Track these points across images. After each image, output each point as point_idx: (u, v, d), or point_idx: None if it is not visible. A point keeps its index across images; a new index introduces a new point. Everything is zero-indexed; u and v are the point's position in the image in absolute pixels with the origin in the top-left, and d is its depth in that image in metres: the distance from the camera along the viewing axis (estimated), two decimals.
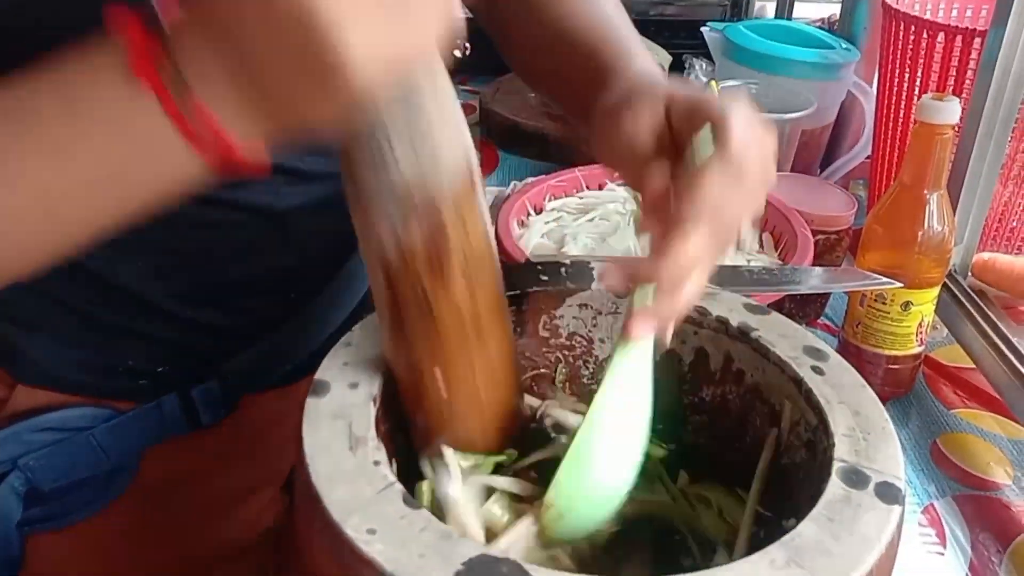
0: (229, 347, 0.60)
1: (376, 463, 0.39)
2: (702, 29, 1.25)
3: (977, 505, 0.72)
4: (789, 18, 1.48)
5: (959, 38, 0.90)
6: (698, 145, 0.41)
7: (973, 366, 0.85)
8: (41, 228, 0.36)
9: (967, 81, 0.91)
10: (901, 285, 0.75)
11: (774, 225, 0.88)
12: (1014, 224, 0.95)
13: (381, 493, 0.37)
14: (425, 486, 0.43)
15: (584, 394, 0.56)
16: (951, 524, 0.70)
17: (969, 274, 0.89)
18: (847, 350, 0.82)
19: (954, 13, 1.01)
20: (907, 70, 0.97)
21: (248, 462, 0.64)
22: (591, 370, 0.56)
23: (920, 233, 0.76)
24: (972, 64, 0.90)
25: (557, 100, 0.64)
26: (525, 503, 0.44)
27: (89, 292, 0.56)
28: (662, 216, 0.42)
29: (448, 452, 0.44)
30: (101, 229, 0.37)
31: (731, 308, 0.52)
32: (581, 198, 0.92)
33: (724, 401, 0.52)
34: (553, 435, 0.50)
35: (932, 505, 0.72)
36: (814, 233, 0.84)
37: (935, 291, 0.79)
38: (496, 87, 1.30)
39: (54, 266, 0.37)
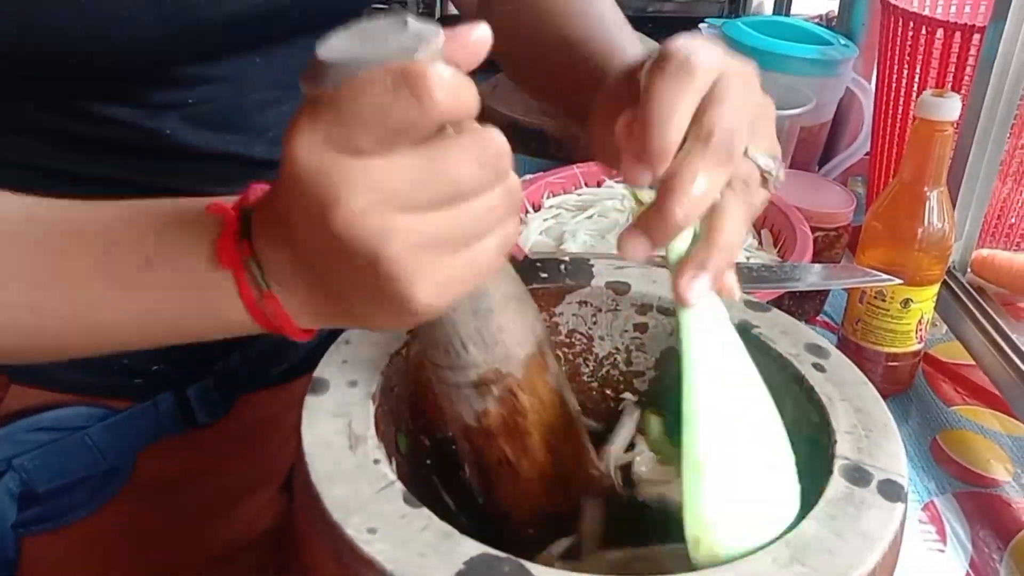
0: (224, 345, 0.59)
1: (376, 462, 0.38)
2: (700, 26, 1.25)
3: (977, 502, 0.72)
4: (787, 14, 1.48)
5: (958, 34, 0.90)
6: (645, 69, 0.37)
7: (973, 363, 0.85)
8: (83, 338, 0.39)
9: (966, 77, 0.90)
10: (901, 282, 0.75)
11: (773, 222, 0.88)
12: (1013, 220, 0.95)
13: (381, 492, 0.37)
14: None
15: (585, 391, 0.56)
16: (951, 521, 0.70)
17: (968, 271, 0.89)
18: (846, 347, 0.81)
19: (953, 9, 1.01)
20: (906, 66, 0.97)
21: (245, 462, 0.64)
22: (591, 368, 0.56)
23: (920, 230, 0.76)
24: (971, 60, 0.89)
25: (553, 104, 0.64)
26: None
27: None
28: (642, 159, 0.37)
29: None
30: (136, 347, 0.40)
31: (731, 305, 0.51)
32: (580, 195, 0.92)
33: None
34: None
35: (932, 502, 0.72)
36: (813, 230, 0.84)
37: (935, 288, 0.79)
38: (493, 84, 1.30)
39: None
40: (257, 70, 0.53)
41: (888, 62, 1.00)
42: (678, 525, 0.36)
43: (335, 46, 0.32)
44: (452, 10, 1.87)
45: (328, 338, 0.46)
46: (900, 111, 1.00)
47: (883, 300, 0.79)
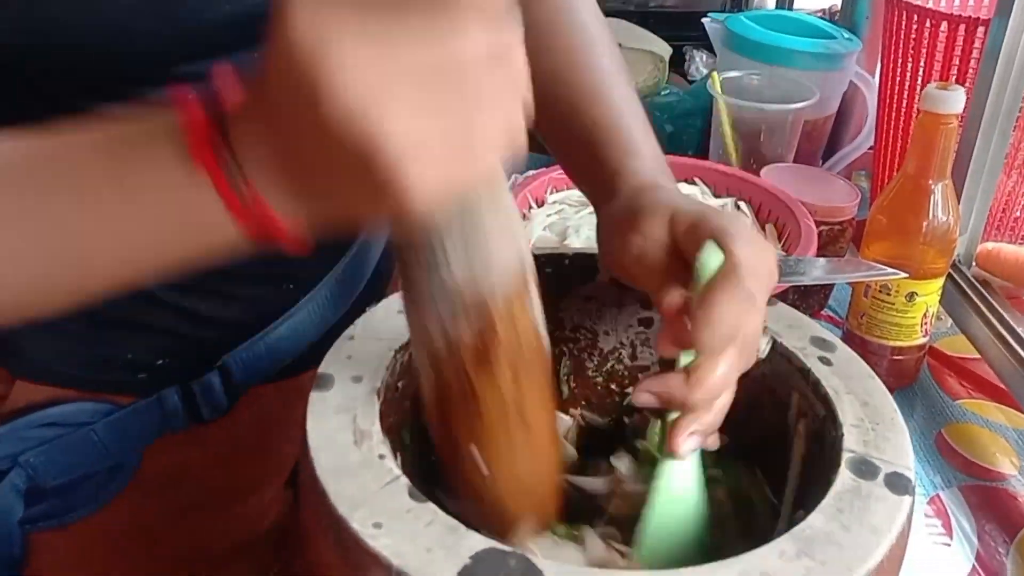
0: (229, 340, 0.59)
1: (381, 457, 0.38)
2: (703, 20, 1.24)
3: (983, 495, 0.71)
4: (790, 8, 1.48)
5: (962, 27, 0.90)
6: (704, 261, 0.41)
7: (978, 356, 0.85)
8: (70, 276, 0.36)
9: (970, 70, 0.90)
10: (906, 275, 0.74)
11: (777, 216, 0.87)
12: (1018, 214, 0.95)
13: (387, 487, 0.37)
14: None
15: (589, 386, 0.56)
16: (957, 515, 0.70)
17: (974, 264, 0.89)
18: (851, 341, 0.81)
19: (957, 2, 1.00)
20: (910, 60, 0.97)
21: (250, 457, 0.64)
22: (595, 363, 0.56)
23: (925, 223, 0.76)
24: (975, 53, 0.89)
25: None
26: None
27: None
28: (679, 335, 0.42)
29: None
30: (128, 282, 0.37)
31: None
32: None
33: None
34: None
35: (938, 496, 0.71)
36: (817, 224, 0.84)
37: (940, 281, 0.79)
38: None
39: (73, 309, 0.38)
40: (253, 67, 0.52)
41: (892, 55, 1.00)
42: None
43: None
44: None
45: (332, 333, 0.46)
46: (904, 104, 1.00)
47: (888, 294, 0.79)
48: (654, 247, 0.44)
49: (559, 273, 0.53)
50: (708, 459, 0.50)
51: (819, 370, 0.46)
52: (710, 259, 0.41)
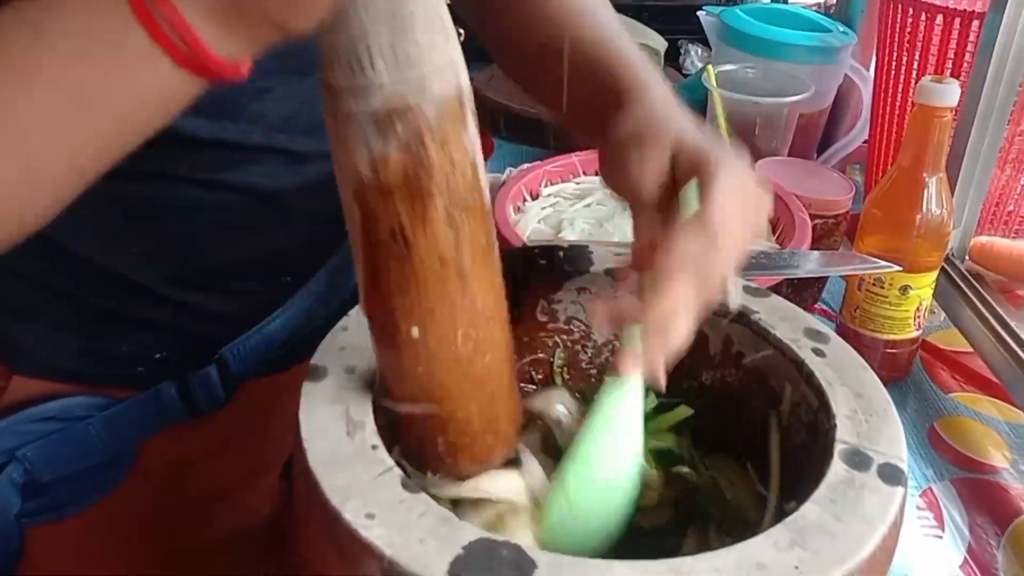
0: (225, 332, 0.59)
1: (374, 447, 0.38)
2: (698, 13, 1.24)
3: (975, 488, 0.72)
4: (786, 1, 1.47)
5: (957, 20, 0.90)
6: (683, 200, 0.42)
7: (971, 350, 0.85)
8: (13, 172, 0.33)
9: (965, 64, 0.90)
10: (900, 269, 0.75)
11: (772, 209, 0.87)
12: (1011, 207, 0.95)
13: (380, 477, 0.37)
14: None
15: (583, 378, 0.56)
16: (949, 507, 0.70)
17: (967, 258, 0.89)
18: (845, 335, 0.81)
19: None
20: (905, 53, 0.97)
21: (247, 449, 0.64)
22: (589, 355, 0.56)
23: (919, 216, 0.76)
24: (970, 47, 0.89)
25: (557, 109, 0.62)
26: None
27: (83, 279, 0.55)
28: (645, 261, 0.42)
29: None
30: (84, 168, 0.35)
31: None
32: (578, 183, 0.92)
33: (724, 385, 0.52)
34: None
35: (930, 489, 0.72)
36: (811, 217, 0.84)
37: (933, 275, 0.79)
38: (490, 73, 1.30)
39: (46, 225, 0.36)
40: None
41: (887, 49, 1.00)
42: None
43: None
44: None
45: (328, 325, 0.46)
46: (899, 98, 1.00)
47: (882, 287, 0.79)
48: (650, 179, 0.44)
49: (553, 265, 0.53)
50: (696, 453, 0.51)
51: (812, 361, 0.46)
52: (690, 202, 0.41)
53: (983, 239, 0.90)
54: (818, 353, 0.46)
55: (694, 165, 0.43)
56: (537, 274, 0.53)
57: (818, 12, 1.28)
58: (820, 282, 0.94)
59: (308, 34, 0.33)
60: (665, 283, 0.40)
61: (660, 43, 1.32)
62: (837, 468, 0.39)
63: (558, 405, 0.51)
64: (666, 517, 0.48)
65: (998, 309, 0.81)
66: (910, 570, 0.64)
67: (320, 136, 0.38)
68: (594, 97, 0.53)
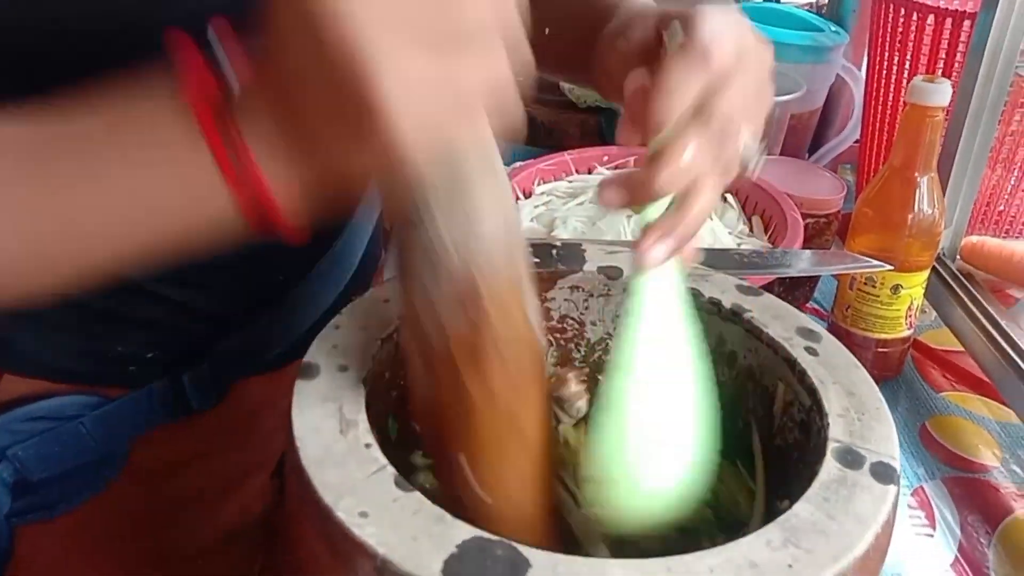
0: (218, 331, 0.59)
1: (367, 446, 0.38)
2: None
3: (966, 487, 0.72)
4: (778, 1, 1.48)
5: (949, 20, 0.90)
6: (668, 40, 0.39)
7: (962, 349, 0.85)
8: (66, 252, 0.36)
9: (956, 64, 0.91)
10: (891, 268, 0.75)
11: (764, 208, 0.88)
12: (1002, 207, 0.96)
13: (373, 476, 0.36)
14: None
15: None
16: (940, 506, 0.70)
17: (958, 257, 0.90)
18: (836, 334, 0.81)
19: None
20: (896, 53, 0.97)
21: (240, 448, 0.64)
22: (583, 353, 0.56)
23: (910, 216, 0.76)
24: (961, 47, 0.90)
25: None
26: None
27: None
28: (640, 117, 0.39)
29: None
30: (123, 263, 0.37)
31: (723, 289, 0.52)
32: (570, 182, 0.92)
33: (716, 383, 0.52)
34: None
35: (921, 487, 0.72)
36: (803, 217, 0.84)
37: (924, 274, 0.79)
38: None
39: (69, 294, 0.38)
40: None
41: (879, 48, 1.00)
42: None
43: None
44: None
45: (321, 323, 0.46)
46: (890, 97, 1.00)
47: (873, 286, 0.79)
48: (636, 50, 0.44)
49: (546, 264, 0.53)
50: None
51: (805, 360, 0.46)
52: (674, 37, 0.39)
53: (974, 239, 0.90)
54: (811, 352, 0.47)
55: (678, 16, 0.40)
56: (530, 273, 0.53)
57: (810, 11, 1.28)
58: (812, 281, 0.94)
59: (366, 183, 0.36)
60: (677, 137, 0.37)
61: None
62: (830, 467, 0.39)
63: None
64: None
65: (989, 308, 0.82)
66: (901, 569, 0.64)
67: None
68: (583, 25, 0.53)
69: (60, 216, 0.35)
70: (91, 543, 0.59)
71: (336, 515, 0.34)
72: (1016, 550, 0.66)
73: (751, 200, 0.90)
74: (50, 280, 0.38)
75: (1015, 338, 0.78)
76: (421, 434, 0.43)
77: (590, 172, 0.94)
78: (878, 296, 0.79)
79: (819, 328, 0.49)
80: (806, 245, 0.84)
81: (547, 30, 0.52)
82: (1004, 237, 0.94)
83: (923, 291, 0.81)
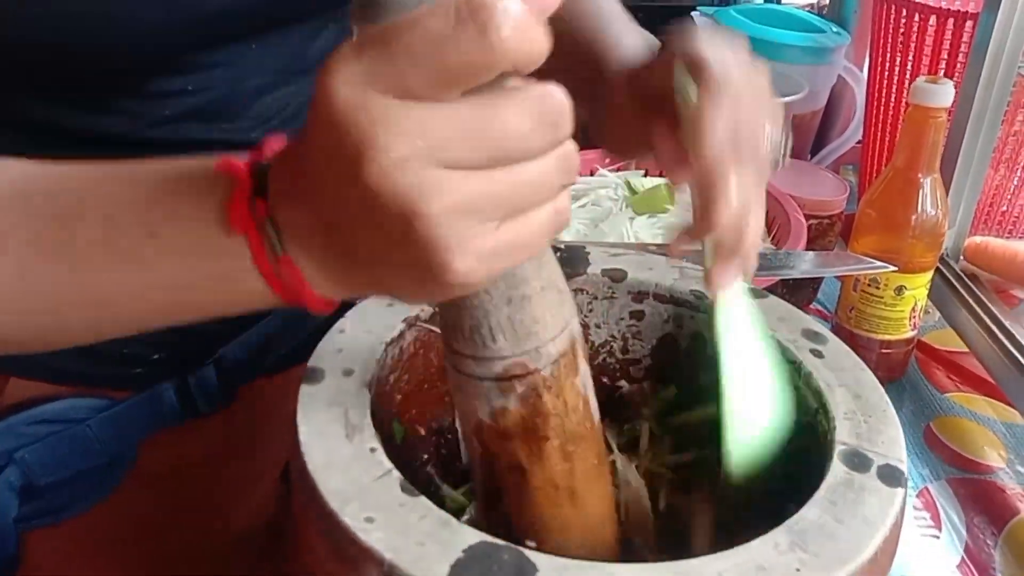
0: (225, 332, 0.59)
1: (373, 450, 0.38)
2: (692, 14, 1.24)
3: (971, 488, 0.72)
4: (779, 2, 1.48)
5: (951, 21, 0.90)
6: (679, 89, 0.41)
7: (966, 350, 0.85)
8: (87, 312, 0.36)
9: (959, 64, 0.90)
10: (895, 269, 0.75)
11: (767, 210, 0.87)
12: (1005, 208, 0.95)
13: (379, 480, 0.36)
14: None
15: None
16: (946, 507, 0.70)
17: (961, 258, 0.89)
18: (840, 335, 0.81)
19: None
20: (898, 54, 0.97)
21: (248, 451, 0.64)
22: (587, 356, 0.55)
23: (914, 217, 0.76)
24: (964, 47, 0.89)
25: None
26: None
27: None
28: (683, 164, 0.41)
29: None
30: (145, 325, 0.38)
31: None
32: (573, 184, 0.92)
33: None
34: None
35: (927, 488, 0.72)
36: (806, 218, 0.84)
37: (928, 275, 0.79)
38: None
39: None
40: (252, 57, 0.52)
41: (881, 49, 1.00)
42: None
43: None
44: None
45: (327, 325, 0.46)
46: (893, 98, 1.00)
47: (877, 287, 0.79)
48: (644, 104, 0.45)
49: None
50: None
51: (811, 363, 0.46)
52: (686, 84, 0.40)
53: (977, 239, 0.90)
54: (816, 354, 0.46)
55: (666, 56, 0.42)
56: None
57: (811, 13, 1.28)
58: (815, 283, 0.94)
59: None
60: (720, 174, 0.39)
61: (653, 43, 1.32)
62: (837, 469, 0.39)
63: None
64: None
65: (993, 309, 0.82)
66: (907, 570, 0.64)
67: None
68: (577, 74, 0.53)
69: (78, 285, 0.35)
70: (98, 548, 0.59)
71: (342, 520, 0.34)
72: (1023, 551, 0.66)
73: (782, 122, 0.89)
74: (64, 340, 0.38)
75: (1019, 338, 0.77)
76: (478, 510, 0.43)
77: (592, 174, 0.93)
78: (882, 297, 0.79)
79: (824, 330, 0.49)
80: (809, 246, 0.84)
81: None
82: (1008, 237, 0.94)
83: (927, 292, 0.80)
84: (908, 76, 0.96)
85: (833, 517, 0.36)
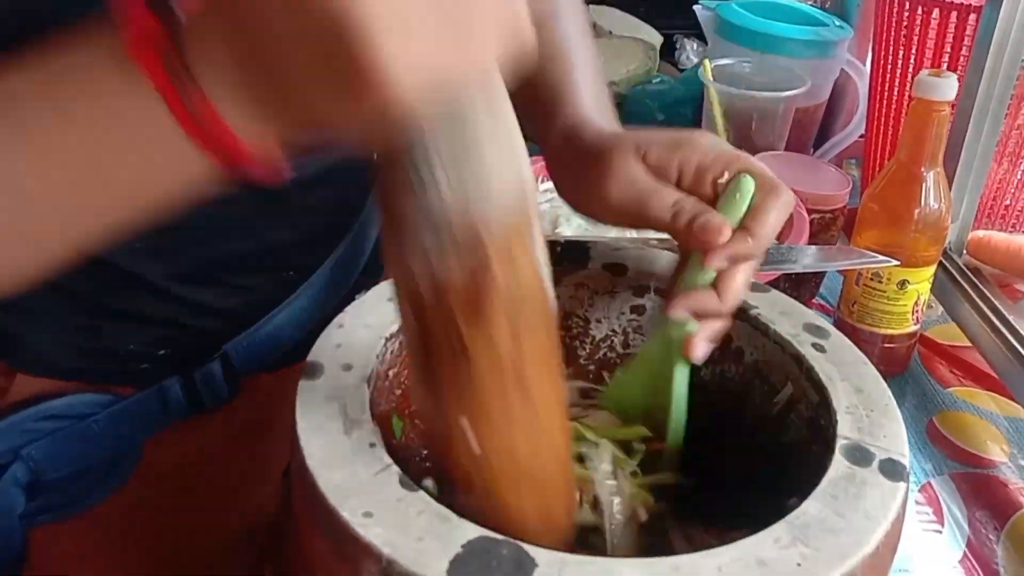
0: (229, 328, 0.59)
1: (372, 445, 0.38)
2: (694, 7, 1.24)
3: (974, 483, 0.72)
4: None
5: (954, 14, 0.89)
6: (745, 189, 0.44)
7: (969, 344, 0.85)
8: (18, 236, 0.32)
9: (962, 58, 0.90)
10: (897, 263, 0.74)
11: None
12: (1008, 202, 0.95)
13: (377, 476, 0.36)
14: None
15: (582, 374, 0.56)
16: (948, 502, 0.70)
17: (965, 252, 0.89)
18: (842, 329, 0.80)
19: None
20: (901, 47, 0.96)
21: (252, 446, 0.64)
22: (588, 350, 0.55)
23: (916, 211, 0.75)
24: (967, 40, 0.89)
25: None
26: None
27: (84, 275, 0.54)
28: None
29: None
30: (95, 236, 0.34)
31: None
32: None
33: (723, 380, 0.52)
34: None
35: (929, 483, 0.72)
36: (808, 212, 0.84)
37: (931, 269, 0.79)
38: None
39: (43, 279, 0.35)
40: None
41: (884, 43, 0.99)
42: None
43: None
44: None
45: (331, 319, 0.46)
46: (895, 92, 1.00)
47: (879, 281, 0.79)
48: (634, 185, 0.46)
49: (551, 260, 0.53)
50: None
51: (813, 357, 0.46)
52: (749, 186, 0.44)
53: (981, 233, 0.89)
54: (818, 348, 0.46)
55: (722, 161, 0.45)
56: None
57: (814, 6, 1.27)
58: (818, 277, 0.93)
59: (354, 139, 0.32)
60: (740, 270, 0.44)
61: (656, 38, 1.32)
62: (838, 464, 0.39)
63: None
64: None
65: (996, 303, 0.81)
66: (909, 565, 0.64)
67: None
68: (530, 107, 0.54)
69: (9, 198, 0.31)
70: (104, 544, 0.59)
71: (341, 515, 0.34)
72: None
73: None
74: (25, 261, 0.34)
75: (1022, 333, 0.77)
76: (414, 398, 0.40)
77: None
78: (884, 291, 0.79)
79: (826, 324, 0.48)
80: (811, 241, 0.84)
81: None
82: (1011, 231, 0.94)
83: (930, 286, 0.80)
84: (911, 69, 0.96)
85: (834, 511, 0.36)
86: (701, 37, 1.29)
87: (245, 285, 0.59)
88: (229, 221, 0.56)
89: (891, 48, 0.98)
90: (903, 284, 0.78)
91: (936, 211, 0.76)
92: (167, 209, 0.33)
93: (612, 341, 0.55)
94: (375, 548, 0.33)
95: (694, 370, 0.53)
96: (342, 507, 0.34)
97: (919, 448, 0.75)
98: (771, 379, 0.49)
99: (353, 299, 0.48)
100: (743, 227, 0.44)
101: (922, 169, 0.75)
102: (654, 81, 1.25)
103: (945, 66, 0.92)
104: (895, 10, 0.96)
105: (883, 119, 1.03)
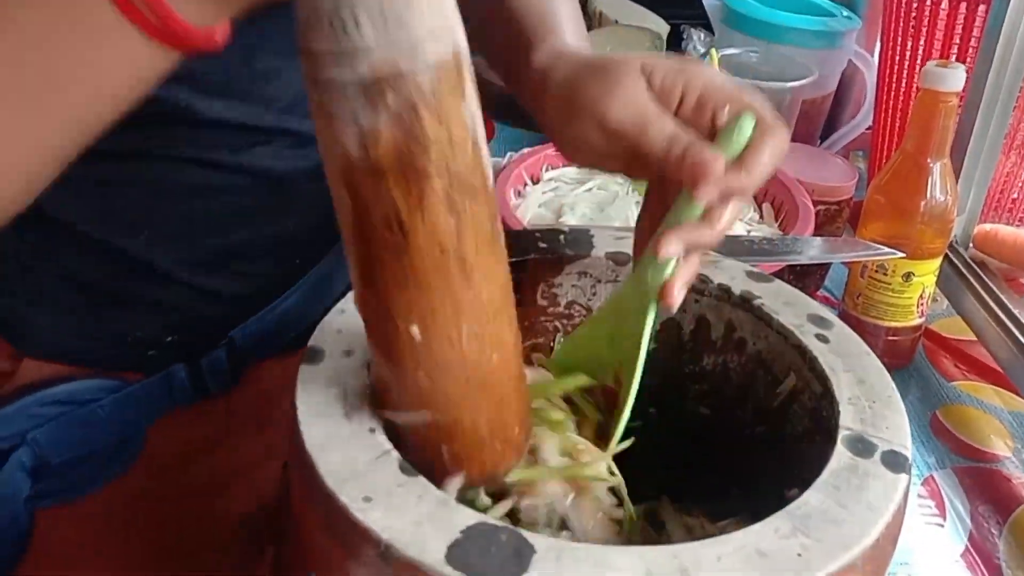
0: (236, 314, 0.59)
1: (371, 430, 0.38)
2: None
3: (977, 477, 0.71)
4: None
5: (963, 5, 0.89)
6: (735, 126, 0.43)
7: (974, 338, 0.84)
8: None
9: (971, 48, 0.89)
10: (903, 255, 0.74)
11: (774, 195, 0.87)
12: (1016, 195, 0.94)
13: (377, 460, 0.36)
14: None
15: None
16: (951, 496, 0.69)
17: (971, 245, 0.89)
18: (847, 322, 0.80)
19: None
20: (910, 38, 0.96)
21: (256, 432, 0.64)
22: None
23: (923, 203, 0.75)
24: (976, 32, 0.88)
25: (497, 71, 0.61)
26: None
27: (93, 262, 0.55)
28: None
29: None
30: (56, 148, 0.33)
31: (733, 276, 0.51)
32: (578, 168, 0.91)
33: (725, 370, 0.52)
34: None
35: (932, 477, 0.71)
36: (814, 203, 0.84)
37: (937, 262, 0.78)
38: None
39: (60, 209, 0.35)
40: (262, 37, 0.51)
41: (892, 33, 0.98)
42: None
43: None
44: None
45: (335, 306, 0.46)
46: (903, 83, 0.99)
47: (884, 274, 0.78)
48: (636, 107, 0.44)
49: (554, 249, 0.53)
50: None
51: (816, 347, 0.45)
52: (748, 125, 0.43)
53: (987, 226, 0.89)
54: (821, 339, 0.46)
55: (723, 96, 0.44)
56: (537, 256, 0.52)
57: None
58: (823, 268, 0.93)
59: None
60: (731, 205, 0.43)
61: (663, 27, 1.30)
62: (840, 455, 0.38)
63: None
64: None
65: (1001, 297, 0.81)
66: (911, 558, 0.64)
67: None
68: (508, 45, 0.53)
69: None
70: (108, 529, 0.59)
71: (340, 500, 0.34)
72: None
73: (762, 186, 0.89)
74: (4, 183, 0.33)
75: None
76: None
77: None
78: (889, 284, 0.78)
79: (830, 315, 0.48)
80: (817, 232, 0.83)
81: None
82: (1018, 225, 0.93)
83: (935, 279, 0.80)
84: (919, 60, 0.95)
85: (836, 502, 0.36)
86: (708, 27, 1.28)
87: (252, 272, 0.59)
88: (238, 210, 0.56)
89: (900, 39, 0.97)
90: (908, 277, 0.78)
91: (942, 203, 0.75)
92: (124, 103, 0.33)
93: None
94: (374, 533, 0.33)
95: (696, 358, 0.53)
96: (341, 491, 0.34)
97: (922, 441, 0.75)
98: (774, 369, 0.48)
99: (350, 286, 0.48)
100: (737, 162, 0.42)
101: (928, 161, 0.74)
102: None
103: (954, 57, 0.91)
104: (903, 0, 0.95)
105: (891, 111, 1.02)
